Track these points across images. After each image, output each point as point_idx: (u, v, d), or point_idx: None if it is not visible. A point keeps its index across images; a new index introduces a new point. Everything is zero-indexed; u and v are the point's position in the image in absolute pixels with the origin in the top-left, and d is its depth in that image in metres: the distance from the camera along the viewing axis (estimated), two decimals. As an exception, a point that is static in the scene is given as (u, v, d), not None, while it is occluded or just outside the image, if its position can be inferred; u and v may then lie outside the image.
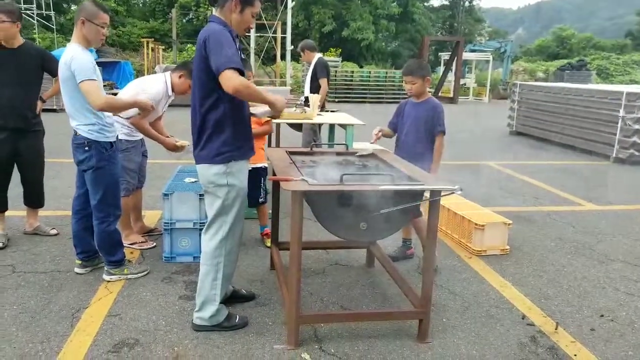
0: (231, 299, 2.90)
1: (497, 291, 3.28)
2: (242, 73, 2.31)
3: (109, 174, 3.07)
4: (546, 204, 5.48)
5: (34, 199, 3.91)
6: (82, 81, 2.82)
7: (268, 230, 3.89)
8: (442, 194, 2.50)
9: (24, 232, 3.95)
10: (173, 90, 3.62)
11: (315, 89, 5.89)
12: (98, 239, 3.15)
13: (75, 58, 2.84)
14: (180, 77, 3.58)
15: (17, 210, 4.46)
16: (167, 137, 3.72)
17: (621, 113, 7.92)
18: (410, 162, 3.05)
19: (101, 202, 3.07)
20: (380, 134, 3.47)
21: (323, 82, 5.91)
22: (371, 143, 3.43)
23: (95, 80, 2.85)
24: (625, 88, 9.16)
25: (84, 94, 2.86)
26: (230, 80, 2.26)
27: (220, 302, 2.65)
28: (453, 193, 2.53)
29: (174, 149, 3.69)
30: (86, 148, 2.98)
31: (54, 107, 10.57)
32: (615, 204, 5.56)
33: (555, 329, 2.81)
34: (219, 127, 2.45)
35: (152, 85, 3.54)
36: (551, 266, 3.75)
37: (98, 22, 2.92)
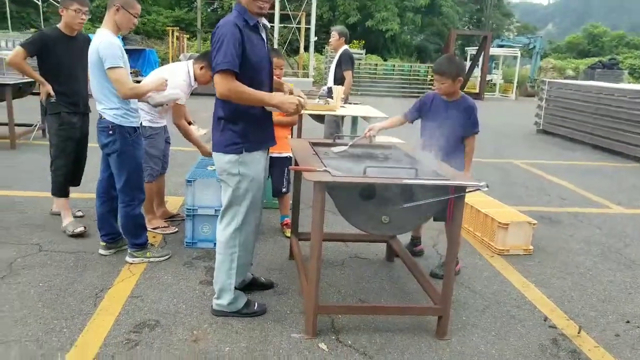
0: (250, 286, 2.92)
1: (519, 291, 3.22)
2: (236, 72, 2.30)
3: (132, 158, 3.11)
4: (573, 205, 5.35)
5: (77, 179, 3.97)
6: (110, 68, 2.87)
7: (288, 220, 3.90)
8: (467, 190, 2.46)
9: (50, 212, 4.04)
10: (196, 80, 3.64)
11: (339, 80, 5.84)
12: (123, 221, 3.20)
13: (104, 43, 2.88)
14: (201, 68, 3.58)
15: (43, 192, 4.58)
16: (190, 122, 3.76)
17: (654, 114, 7.67)
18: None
19: (125, 185, 3.11)
20: (371, 132, 3.22)
21: (348, 74, 5.84)
22: (354, 142, 3.18)
23: (122, 67, 2.90)
24: (660, 88, 8.86)
25: (111, 81, 2.90)
26: (218, 85, 2.31)
27: (239, 289, 2.68)
28: (479, 190, 2.49)
29: (208, 154, 3.59)
30: (110, 132, 3.03)
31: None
32: (645, 207, 5.41)
33: (578, 333, 2.74)
34: (233, 117, 2.46)
35: (175, 74, 3.56)
36: (576, 269, 3.67)
37: (132, 12, 2.98)
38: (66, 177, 3.75)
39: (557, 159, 7.94)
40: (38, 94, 7.31)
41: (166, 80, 3.26)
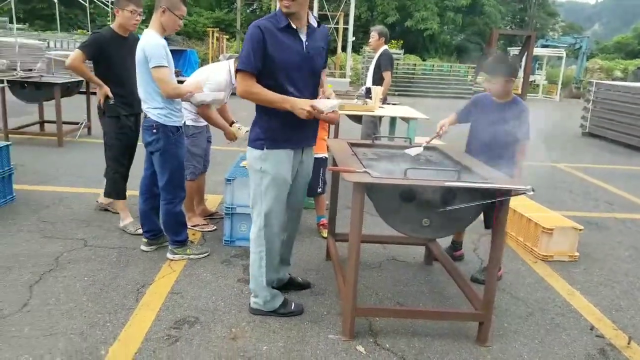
0: (287, 286, 2.93)
1: (563, 299, 3.10)
2: (252, 73, 2.36)
3: (175, 157, 3.17)
4: (620, 210, 5.11)
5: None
6: (154, 67, 2.95)
7: (324, 220, 3.89)
8: (512, 193, 2.38)
9: (98, 207, 4.17)
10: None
11: (377, 80, 5.79)
12: (164, 218, 3.27)
13: (149, 43, 2.96)
14: None
15: (88, 188, 4.75)
16: (232, 122, 3.81)
17: None
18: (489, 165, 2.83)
19: (168, 183, 3.18)
20: (444, 129, 3.17)
21: (387, 75, 5.78)
22: (426, 142, 3.08)
23: (166, 67, 2.97)
24: None
25: (154, 79, 2.98)
26: (238, 85, 2.43)
27: (276, 288, 2.69)
28: (525, 194, 2.41)
29: (233, 137, 3.75)
30: (154, 131, 3.10)
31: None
32: (701, 215, 5.10)
33: (628, 344, 2.61)
34: (260, 114, 2.53)
35: (217, 73, 3.61)
36: (624, 277, 3.49)
37: (178, 14, 3.05)
38: (124, 179, 3.82)
39: (603, 163, 7.61)
40: (85, 92, 7.65)
41: (201, 85, 3.34)
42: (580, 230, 3.74)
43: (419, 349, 2.46)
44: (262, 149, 2.50)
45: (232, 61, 3.69)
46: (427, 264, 3.49)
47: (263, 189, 2.54)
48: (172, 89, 3.02)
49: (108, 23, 22.30)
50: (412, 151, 2.97)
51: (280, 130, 2.50)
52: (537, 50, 20.24)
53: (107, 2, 21.94)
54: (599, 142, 9.66)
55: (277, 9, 2.45)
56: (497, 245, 2.48)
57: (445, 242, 3.60)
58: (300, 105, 2.38)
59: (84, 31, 23.59)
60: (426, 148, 3.06)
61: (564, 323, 2.81)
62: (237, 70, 2.40)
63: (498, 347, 2.53)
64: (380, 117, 5.47)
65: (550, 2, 39.29)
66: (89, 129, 7.55)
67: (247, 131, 3.81)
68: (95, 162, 5.74)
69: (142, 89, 3.11)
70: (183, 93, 3.14)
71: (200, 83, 3.33)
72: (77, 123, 7.30)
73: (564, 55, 20.47)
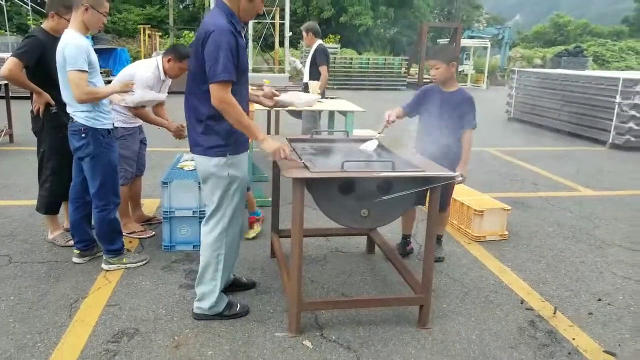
0: (232, 287, 2.90)
1: (496, 276, 3.29)
2: (233, 82, 2.30)
3: (106, 162, 3.04)
4: (544, 189, 5.48)
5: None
6: (70, 70, 2.78)
7: (254, 217, 3.87)
8: (442, 181, 2.49)
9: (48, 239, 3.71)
10: (166, 74, 3.58)
11: (314, 75, 5.83)
12: (98, 227, 3.13)
13: (69, 45, 2.79)
14: (169, 60, 3.50)
15: (12, 200, 4.45)
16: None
17: (617, 99, 7.91)
18: (433, 154, 2.93)
19: (100, 190, 3.04)
20: (390, 118, 3.19)
21: (323, 69, 5.84)
22: (379, 133, 3.10)
23: (83, 71, 2.79)
24: (622, 74, 9.16)
25: (69, 82, 2.81)
26: (215, 94, 2.28)
27: (221, 291, 2.65)
28: (453, 180, 2.53)
29: (179, 131, 3.64)
30: (83, 135, 2.94)
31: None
32: (612, 189, 5.58)
33: (554, 313, 2.82)
34: (215, 120, 2.40)
35: (143, 70, 3.50)
36: (549, 251, 3.76)
37: (101, 10, 2.89)
38: (62, 194, 3.47)
39: (528, 146, 8.11)
40: (4, 97, 7.09)
41: (132, 83, 3.19)
42: (508, 210, 3.97)
43: (364, 338, 2.52)
44: (225, 155, 2.43)
45: (159, 57, 3.58)
46: (370, 253, 3.58)
47: (231, 194, 2.50)
48: (84, 94, 2.82)
49: (28, 22, 20.91)
50: (368, 146, 2.95)
51: (240, 134, 2.46)
52: (464, 42, 21.15)
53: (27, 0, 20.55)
54: (523, 126, 10.28)
55: (223, 6, 2.36)
56: (430, 232, 2.58)
57: (394, 232, 3.70)
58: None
59: (2, 31, 21.95)
60: (364, 141, 3.10)
61: (497, 299, 2.99)
62: (218, 81, 2.25)
63: (438, 328, 2.64)
64: (319, 112, 5.52)
65: (474, -5, 41.14)
66: (11, 136, 7.05)
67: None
68: (19, 172, 5.38)
69: (67, 92, 2.93)
70: (99, 97, 2.94)
71: (129, 84, 3.18)
72: (-5, 131, 6.80)
73: (489, 45, 21.53)
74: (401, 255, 3.46)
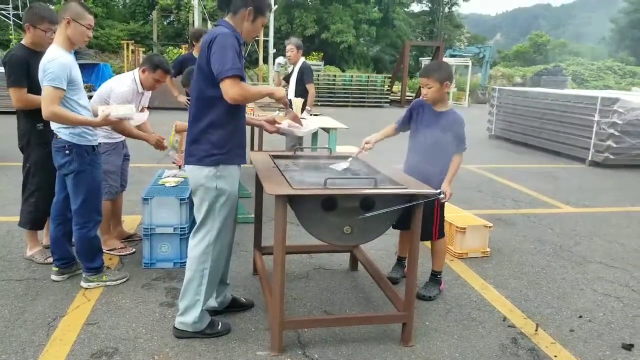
0: (230, 307, 2.87)
1: (478, 293, 3.31)
2: (242, 79, 2.32)
3: (90, 179, 3.00)
4: (525, 206, 5.56)
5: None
6: (46, 85, 2.73)
7: None
8: (424, 198, 2.52)
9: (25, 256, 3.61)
10: (143, 87, 3.56)
11: (300, 93, 5.86)
12: (78, 244, 3.07)
13: (52, 62, 2.75)
14: (143, 71, 3.49)
15: (-10, 216, 4.35)
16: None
17: (596, 117, 8.11)
18: (419, 172, 2.91)
19: (82, 207, 3.00)
20: (367, 146, 3.12)
21: (311, 87, 5.90)
22: (353, 157, 3.08)
23: (59, 89, 2.75)
24: (600, 93, 9.40)
25: (41, 96, 2.77)
26: (229, 90, 2.28)
27: (220, 311, 2.65)
28: (435, 198, 2.55)
29: (160, 143, 3.58)
30: (67, 152, 2.91)
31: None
32: (592, 206, 5.69)
33: (536, 331, 2.84)
34: (212, 128, 2.42)
35: (121, 84, 3.48)
36: (531, 268, 3.80)
37: (84, 23, 2.86)
38: (46, 210, 3.37)
39: (508, 163, 8.25)
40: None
41: (107, 114, 3.02)
42: (490, 227, 4.02)
43: (347, 356, 2.51)
44: (217, 165, 2.43)
45: (136, 70, 3.56)
46: (353, 270, 3.58)
47: (219, 207, 2.48)
48: (52, 113, 2.75)
49: (10, 37, 20.66)
50: (339, 166, 2.95)
51: (234, 144, 2.48)
52: (446, 60, 21.57)
53: (8, 14, 20.32)
54: (504, 143, 10.46)
55: (226, 23, 2.42)
56: (413, 247, 2.60)
57: (377, 249, 3.70)
58: (281, 90, 2.61)
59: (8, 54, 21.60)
60: (346, 158, 3.11)
61: (480, 317, 3.00)
62: (230, 76, 2.25)
63: (421, 345, 2.64)
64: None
65: (456, 15, 42.08)
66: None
67: (177, 140, 3.70)
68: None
69: None
70: (67, 122, 2.85)
71: (108, 119, 3.00)
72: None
73: (470, 64, 21.98)
74: (402, 277, 3.40)
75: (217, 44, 2.31)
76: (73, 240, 3.27)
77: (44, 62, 2.79)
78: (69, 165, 2.93)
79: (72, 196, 3.01)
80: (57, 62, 2.76)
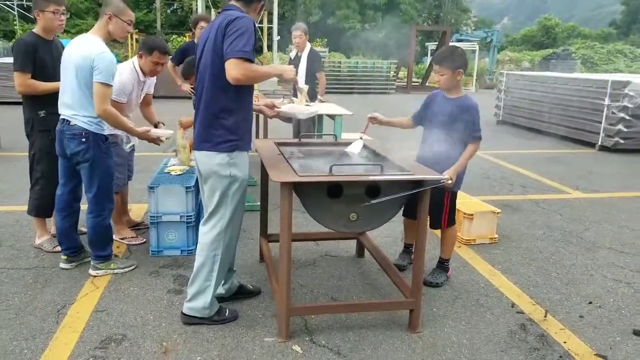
0: (237, 294, 2.87)
1: (486, 280, 3.29)
2: (251, 62, 2.27)
3: (105, 167, 3.03)
4: (534, 192, 5.51)
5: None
6: (101, 82, 2.80)
7: None
8: (430, 184, 2.49)
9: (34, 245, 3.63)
10: (144, 73, 3.51)
11: (311, 81, 5.79)
12: (92, 232, 3.09)
13: (101, 55, 2.80)
14: (140, 56, 3.44)
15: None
16: (157, 122, 3.68)
17: (606, 102, 7.99)
18: (433, 161, 2.87)
19: (97, 195, 3.02)
20: (372, 121, 3.13)
21: (321, 75, 5.87)
22: (362, 132, 3.10)
23: (110, 86, 2.85)
24: (610, 77, 9.25)
25: (94, 93, 2.83)
26: (232, 69, 2.23)
27: (226, 298, 2.65)
28: (441, 183, 2.53)
29: (149, 138, 3.43)
30: (83, 139, 2.91)
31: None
32: (601, 191, 5.62)
33: (545, 317, 2.82)
34: (226, 113, 2.39)
35: (121, 72, 3.43)
36: (539, 254, 3.77)
37: (125, 19, 2.93)
38: (51, 198, 3.38)
39: (516, 149, 8.16)
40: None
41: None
42: (498, 213, 3.98)
43: (354, 342, 2.51)
44: (232, 151, 2.41)
45: (135, 58, 3.52)
46: (359, 257, 3.57)
47: (231, 194, 2.47)
48: (104, 111, 2.85)
49: (15, 27, 20.69)
50: (354, 148, 2.92)
51: (246, 130, 2.48)
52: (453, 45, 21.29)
53: (12, 4, 20.27)
54: (512, 129, 10.35)
55: (239, 9, 2.40)
56: (420, 234, 2.58)
57: (383, 235, 3.69)
58: (288, 68, 2.59)
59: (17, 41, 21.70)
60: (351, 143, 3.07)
61: (488, 303, 2.98)
62: (240, 57, 2.22)
63: (428, 332, 2.63)
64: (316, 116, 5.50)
65: (462, -1, 41.49)
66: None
67: (170, 134, 3.67)
68: (6, 178, 5.31)
69: (72, 94, 2.89)
70: (115, 124, 2.96)
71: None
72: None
73: (477, 48, 21.71)
74: (409, 264, 3.38)
75: (237, 25, 2.26)
76: (79, 228, 3.30)
77: (88, 52, 2.80)
78: (85, 153, 2.93)
79: (86, 185, 3.03)
80: (106, 57, 2.82)
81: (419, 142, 3.23)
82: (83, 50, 2.83)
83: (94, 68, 2.79)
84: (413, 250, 3.42)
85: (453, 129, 2.99)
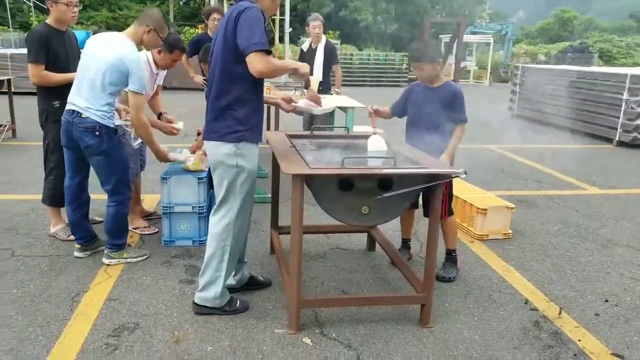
0: (248, 285, 2.88)
1: (499, 276, 3.25)
2: (269, 53, 2.28)
3: (119, 157, 3.06)
4: (549, 187, 5.43)
5: None
6: (136, 92, 2.88)
7: None
8: (445, 177, 2.46)
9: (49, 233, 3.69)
10: (157, 66, 3.54)
11: (327, 73, 5.73)
12: (112, 221, 3.12)
13: (136, 60, 2.89)
14: (159, 52, 3.46)
15: (14, 194, 4.44)
16: (162, 113, 3.73)
17: (625, 96, 7.83)
18: (425, 150, 2.85)
19: (117, 185, 3.06)
20: (374, 111, 3.11)
21: (338, 68, 5.85)
22: (374, 128, 3.02)
23: (143, 95, 2.94)
24: (629, 70, 9.05)
25: (130, 102, 2.92)
26: (255, 63, 2.25)
27: (237, 289, 2.67)
28: (457, 177, 2.49)
29: (163, 158, 3.47)
30: (96, 133, 2.92)
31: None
32: (619, 187, 5.52)
33: (559, 314, 2.78)
34: (236, 104, 2.40)
35: None
36: (554, 250, 3.72)
37: (162, 35, 3.06)
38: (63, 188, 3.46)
39: (531, 143, 8.05)
40: (7, 92, 7.12)
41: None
42: (512, 208, 3.93)
43: (365, 336, 2.50)
44: (240, 141, 2.42)
45: (147, 52, 3.52)
46: (370, 250, 3.55)
47: (238, 185, 2.48)
48: (142, 122, 2.98)
49: (31, 18, 20.87)
50: (377, 145, 2.80)
51: (256, 122, 2.48)
52: (467, 37, 21.03)
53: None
54: (527, 123, 10.20)
55: (250, 1, 2.38)
56: (432, 229, 2.55)
57: (395, 229, 3.67)
58: (307, 69, 2.59)
59: (4, 27, 21.94)
60: (364, 137, 3.03)
61: (501, 299, 2.95)
62: (258, 50, 2.23)
63: (440, 327, 2.61)
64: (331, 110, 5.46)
65: (477, -9, 40.86)
66: (14, 131, 7.05)
67: (181, 127, 3.72)
68: (22, 167, 5.38)
69: (92, 88, 2.90)
70: (144, 134, 3.08)
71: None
72: (0, 125, 6.77)
73: (492, 41, 21.41)
74: (408, 259, 3.37)
75: (246, 18, 2.27)
76: (92, 217, 3.34)
77: (123, 54, 2.83)
78: (99, 146, 2.95)
79: (104, 177, 3.05)
80: (141, 66, 2.92)
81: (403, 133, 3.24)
82: (119, 52, 2.85)
83: (130, 75, 2.85)
84: (410, 245, 3.49)
85: (442, 116, 3.01)
